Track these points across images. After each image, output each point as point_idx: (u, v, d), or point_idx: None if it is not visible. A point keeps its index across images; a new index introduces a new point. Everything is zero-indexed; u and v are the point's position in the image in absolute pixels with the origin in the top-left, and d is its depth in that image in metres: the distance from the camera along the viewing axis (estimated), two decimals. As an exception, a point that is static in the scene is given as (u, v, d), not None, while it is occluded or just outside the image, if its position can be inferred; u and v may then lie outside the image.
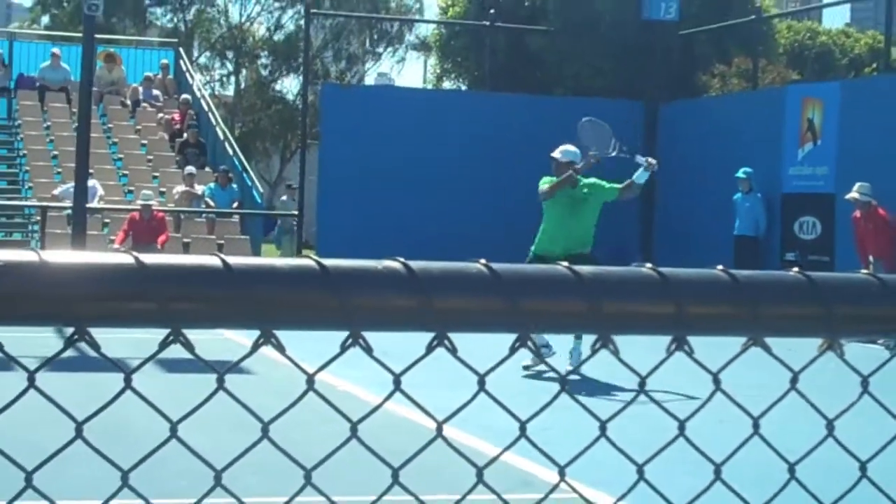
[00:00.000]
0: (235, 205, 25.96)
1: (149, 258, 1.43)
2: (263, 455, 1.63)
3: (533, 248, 13.57)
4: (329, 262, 1.51)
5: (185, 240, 24.48)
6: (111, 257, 1.43)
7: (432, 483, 4.50)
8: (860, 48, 41.24)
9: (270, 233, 41.22)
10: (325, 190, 25.44)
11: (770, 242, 22.32)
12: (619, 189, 13.53)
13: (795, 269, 1.77)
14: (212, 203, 25.58)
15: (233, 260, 1.46)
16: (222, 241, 24.72)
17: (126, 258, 1.42)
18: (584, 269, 1.64)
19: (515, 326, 1.60)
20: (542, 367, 12.63)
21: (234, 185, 26.28)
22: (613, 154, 14.14)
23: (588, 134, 14.39)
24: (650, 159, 13.77)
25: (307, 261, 1.50)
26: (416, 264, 1.54)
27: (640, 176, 13.53)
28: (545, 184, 13.50)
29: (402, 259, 1.54)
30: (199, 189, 25.73)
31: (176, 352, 1.54)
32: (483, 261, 1.59)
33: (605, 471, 4.58)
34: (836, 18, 43.62)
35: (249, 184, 27.17)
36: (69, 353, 1.52)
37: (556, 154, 13.76)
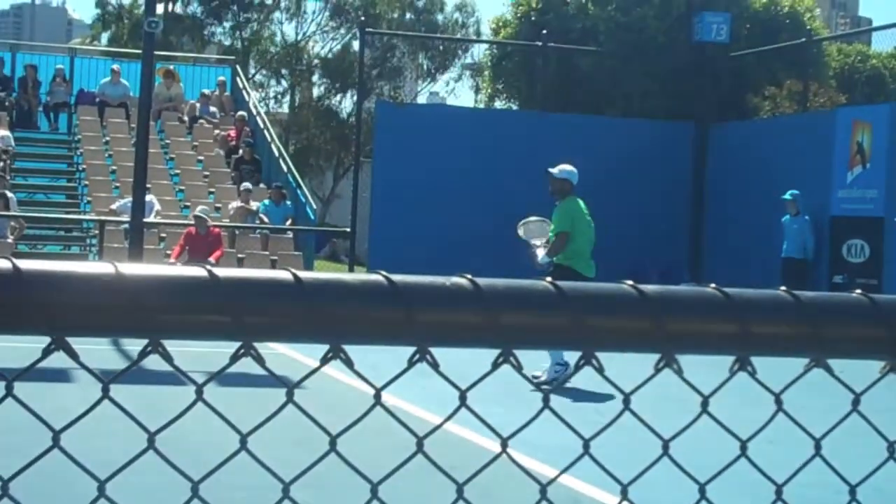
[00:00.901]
0: (289, 221, 26.06)
1: (222, 271, 1.45)
2: (321, 469, 1.65)
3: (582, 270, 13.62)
4: (397, 277, 1.53)
5: (240, 255, 24.58)
6: (185, 270, 1.45)
7: (490, 499, 4.53)
8: (910, 72, 40.94)
9: (323, 249, 41.39)
10: (378, 207, 25.54)
11: (818, 265, 22.21)
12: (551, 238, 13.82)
13: (858, 290, 1.77)
14: (266, 219, 25.69)
15: (304, 274, 1.49)
16: (276, 258, 24.82)
17: (200, 271, 1.45)
18: (649, 287, 1.65)
19: (580, 343, 1.62)
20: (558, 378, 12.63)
21: (288, 202, 26.38)
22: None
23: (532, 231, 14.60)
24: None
25: (376, 276, 1.53)
26: (482, 281, 1.56)
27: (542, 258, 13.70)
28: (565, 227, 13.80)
29: (468, 275, 1.56)
30: (253, 205, 25.85)
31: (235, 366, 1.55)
32: (549, 279, 1.61)
33: (660, 490, 4.57)
34: (886, 41, 43.25)
35: (303, 200, 27.27)
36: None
37: (555, 171, 13.90)
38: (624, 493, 1.75)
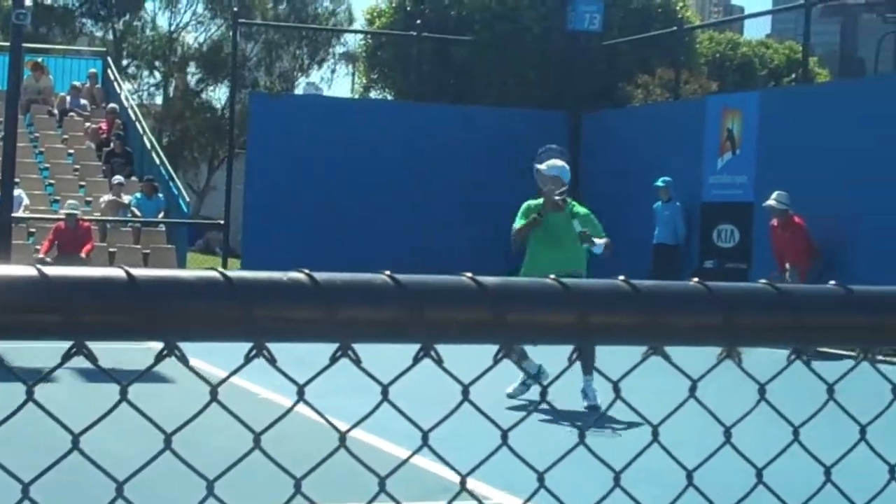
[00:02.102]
0: (161, 214, 25.81)
1: (53, 270, 1.44)
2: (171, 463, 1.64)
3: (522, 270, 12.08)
4: (234, 273, 1.53)
5: (111, 249, 24.30)
6: (16, 269, 1.43)
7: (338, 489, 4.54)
8: (779, 59, 41.72)
9: (198, 242, 41.06)
10: (252, 199, 25.36)
11: (689, 251, 22.51)
12: (601, 242, 12.15)
13: (695, 279, 1.80)
14: (138, 213, 25.42)
15: (137, 272, 1.48)
16: (148, 251, 24.58)
17: (31, 270, 1.43)
18: (488, 279, 1.67)
19: (418, 336, 1.63)
20: (529, 394, 11.69)
21: (161, 195, 26.12)
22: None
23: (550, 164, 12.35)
24: (608, 242, 12.30)
25: (212, 272, 1.52)
26: (320, 275, 1.56)
27: (597, 248, 12.20)
28: (519, 221, 11.94)
29: (307, 270, 1.56)
30: (125, 199, 25.56)
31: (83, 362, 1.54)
32: (388, 272, 1.61)
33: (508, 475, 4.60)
34: (758, 29, 43.99)
35: (176, 193, 27.03)
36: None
37: (542, 167, 12.15)
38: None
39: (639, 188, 23.18)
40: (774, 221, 19.07)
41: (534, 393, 11.65)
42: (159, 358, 1.50)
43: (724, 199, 22.16)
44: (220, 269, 1.52)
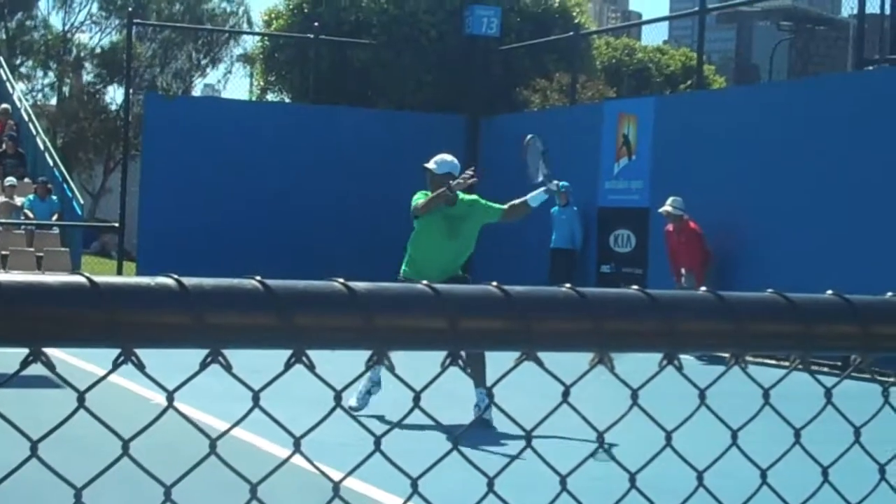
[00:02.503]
0: (55, 217, 25.51)
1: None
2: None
3: (404, 268, 11.96)
4: (101, 278, 1.51)
5: (3, 252, 23.97)
6: None
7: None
8: (675, 65, 42.21)
9: (93, 245, 40.63)
10: (147, 201, 25.10)
11: (586, 255, 22.66)
12: (504, 210, 12.12)
13: (567, 285, 1.82)
14: (31, 215, 25.10)
15: (2, 278, 1.46)
16: (42, 254, 24.27)
17: None
18: (362, 285, 1.67)
19: (289, 342, 1.62)
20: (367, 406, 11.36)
21: (55, 197, 25.82)
22: (540, 180, 12.60)
23: (529, 154, 13.03)
24: (558, 182, 12.48)
25: (78, 278, 1.51)
26: (189, 281, 1.55)
27: (535, 198, 12.12)
28: (419, 198, 11.79)
29: (175, 275, 1.56)
30: (18, 200, 25.24)
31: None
32: (258, 277, 1.61)
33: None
34: (655, 36, 44.49)
35: (70, 195, 26.73)
36: None
37: (431, 165, 12.02)
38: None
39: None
40: (670, 227, 19.27)
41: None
42: (24, 365, 1.49)
43: (621, 203, 22.35)
44: (87, 274, 1.51)
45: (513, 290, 1.75)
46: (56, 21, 63.96)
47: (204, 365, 1.59)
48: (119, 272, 25.61)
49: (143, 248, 25.03)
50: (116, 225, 26.87)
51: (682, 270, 18.86)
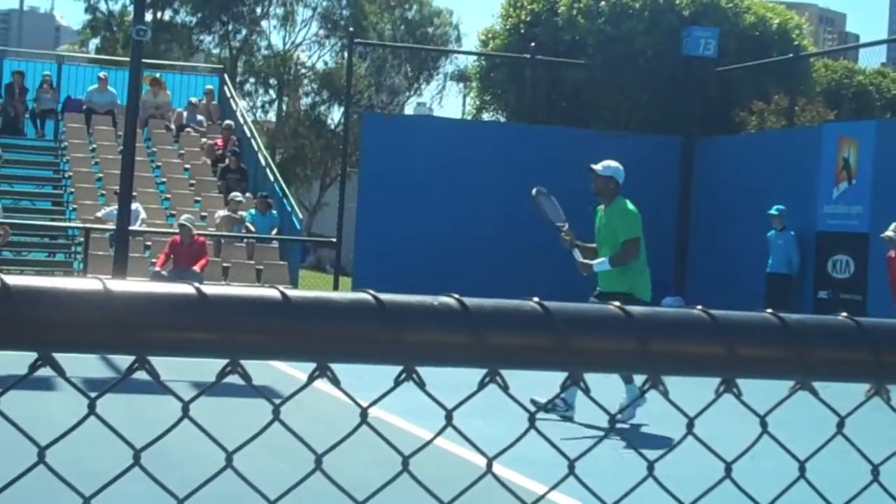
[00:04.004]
0: (275, 231, 26.05)
1: (210, 289, 1.45)
2: (307, 484, 1.65)
3: (642, 296, 12.16)
4: (386, 296, 1.53)
5: (225, 264, 24.56)
6: (173, 287, 1.45)
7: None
8: (896, 89, 41.14)
9: (308, 259, 41.40)
10: (364, 218, 25.52)
11: (803, 280, 22.25)
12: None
13: (844, 314, 1.78)
14: (252, 228, 25.68)
15: (292, 293, 1.49)
16: (261, 267, 24.80)
17: (188, 288, 1.45)
18: (636, 309, 1.66)
19: (565, 364, 1.62)
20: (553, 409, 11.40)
21: (274, 211, 26.37)
22: (563, 220, 13.08)
23: (546, 206, 13.29)
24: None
25: (364, 295, 1.53)
26: (470, 301, 1.56)
27: (600, 265, 12.50)
28: (634, 224, 12.50)
29: (456, 295, 1.57)
30: (240, 214, 25.85)
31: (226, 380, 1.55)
32: (536, 299, 1.61)
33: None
34: (872, 58, 43.46)
35: (289, 210, 27.26)
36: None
37: (598, 167, 12.66)
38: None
39: (752, 216, 22.98)
40: (892, 253, 18.75)
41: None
42: (311, 379, 1.52)
43: (840, 228, 21.89)
44: (371, 291, 1.53)
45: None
46: (277, 40, 65.41)
47: (482, 385, 1.60)
48: (335, 287, 26.06)
49: (358, 263, 25.40)
50: (334, 240, 27.31)
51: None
